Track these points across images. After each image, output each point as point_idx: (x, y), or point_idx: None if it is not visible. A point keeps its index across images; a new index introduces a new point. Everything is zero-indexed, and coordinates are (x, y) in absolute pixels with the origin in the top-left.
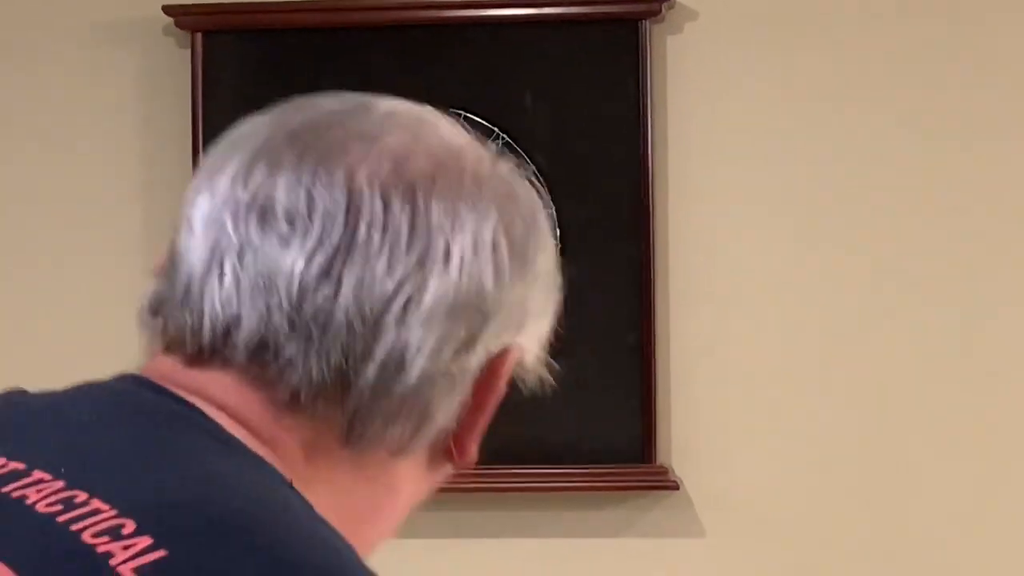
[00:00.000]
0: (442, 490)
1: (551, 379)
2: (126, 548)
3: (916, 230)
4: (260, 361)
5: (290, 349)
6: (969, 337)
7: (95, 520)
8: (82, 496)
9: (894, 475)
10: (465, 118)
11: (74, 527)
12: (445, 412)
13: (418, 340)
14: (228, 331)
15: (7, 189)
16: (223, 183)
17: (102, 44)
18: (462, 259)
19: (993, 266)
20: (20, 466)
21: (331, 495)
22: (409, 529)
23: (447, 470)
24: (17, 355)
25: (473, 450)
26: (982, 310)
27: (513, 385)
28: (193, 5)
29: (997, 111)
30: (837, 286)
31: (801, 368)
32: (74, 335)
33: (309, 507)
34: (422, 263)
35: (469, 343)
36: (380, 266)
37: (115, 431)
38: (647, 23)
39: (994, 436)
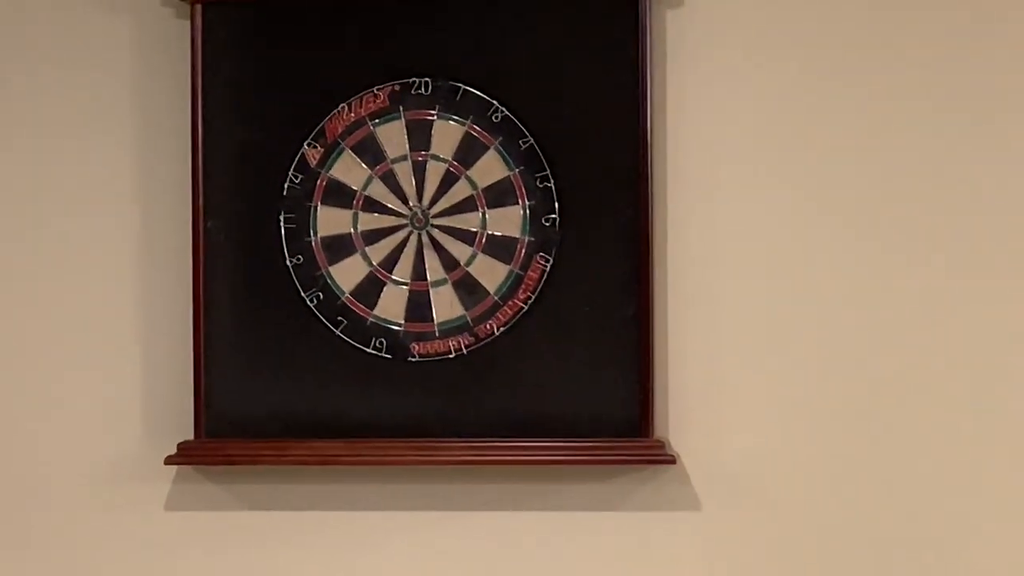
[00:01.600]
0: (437, 462)
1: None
2: None
3: (927, 205)
4: None
5: None
6: (971, 311)
7: None
8: None
9: (892, 449)
10: (465, 91)
11: None
12: None
13: None
14: None
15: (31, 171)
16: None
17: (99, 14)
18: None
19: (999, 256)
20: None
21: None
22: (404, 502)
23: None
24: None
25: None
26: (983, 294)
27: (510, 356)
28: None
29: (1007, 102)
30: (838, 256)
31: (800, 342)
32: (68, 304)
33: None
34: None
35: None
36: None
37: None
38: None
39: (993, 409)
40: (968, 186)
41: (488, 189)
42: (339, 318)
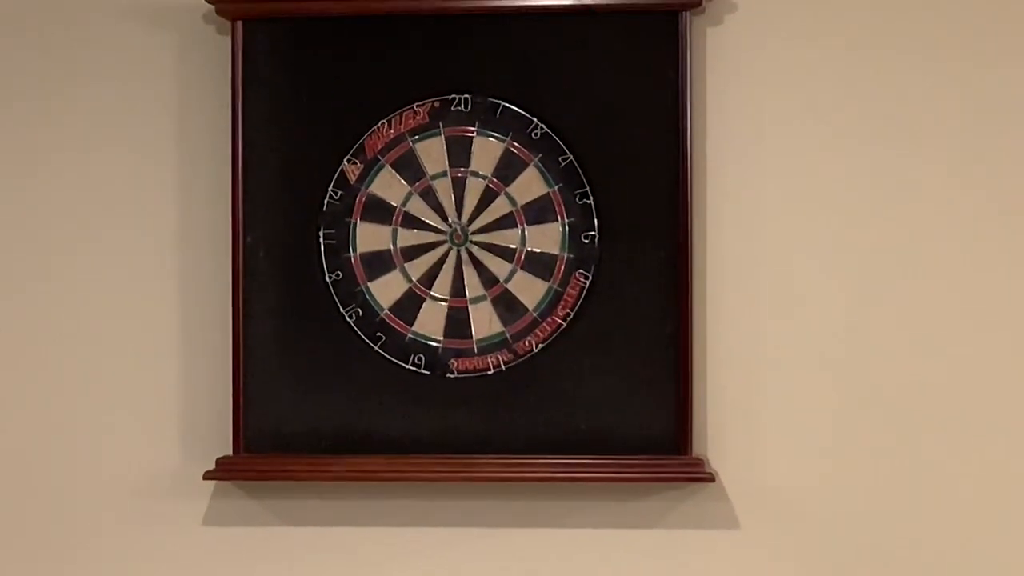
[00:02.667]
0: (475, 479)
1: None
2: None
3: (960, 221)
4: None
5: None
6: (1012, 332)
7: None
8: None
9: (933, 470)
10: (504, 108)
11: None
12: None
13: None
14: None
15: (43, 174)
16: None
17: (142, 30)
18: None
19: None
20: None
21: None
22: (443, 518)
23: None
24: (40, 340)
25: None
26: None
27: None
28: None
29: None
30: (876, 278)
31: (840, 361)
32: (108, 317)
33: None
34: None
35: None
36: None
37: None
38: (687, 14)
39: None
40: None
41: (527, 206)
42: (378, 334)
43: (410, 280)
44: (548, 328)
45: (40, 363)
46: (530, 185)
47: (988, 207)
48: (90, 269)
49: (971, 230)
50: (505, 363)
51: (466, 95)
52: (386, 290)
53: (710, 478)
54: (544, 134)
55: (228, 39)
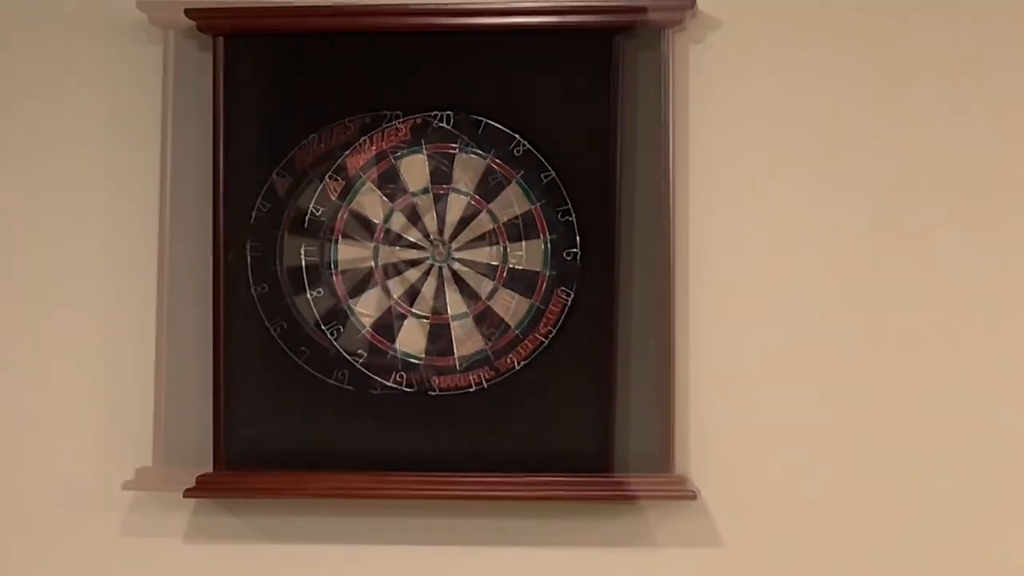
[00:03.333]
0: (458, 497)
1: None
2: None
3: (942, 235)
4: None
5: None
6: (998, 345)
7: None
8: None
9: (915, 485)
10: (487, 125)
11: None
12: None
13: None
14: None
15: (18, 186)
16: None
17: (124, 44)
18: None
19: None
20: None
21: None
22: (426, 536)
23: None
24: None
25: None
26: (1014, 317)
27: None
28: (216, 8)
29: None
30: (860, 295)
31: (822, 379)
32: (85, 331)
33: None
34: None
35: None
36: None
37: None
38: (670, 31)
39: (1020, 440)
40: (1000, 200)
41: (510, 223)
42: (360, 352)
43: (392, 297)
44: (530, 345)
45: (10, 372)
46: (512, 202)
47: (970, 226)
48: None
49: (953, 248)
50: (487, 380)
51: (448, 112)
52: (368, 307)
53: (692, 496)
54: (526, 151)
55: (210, 55)
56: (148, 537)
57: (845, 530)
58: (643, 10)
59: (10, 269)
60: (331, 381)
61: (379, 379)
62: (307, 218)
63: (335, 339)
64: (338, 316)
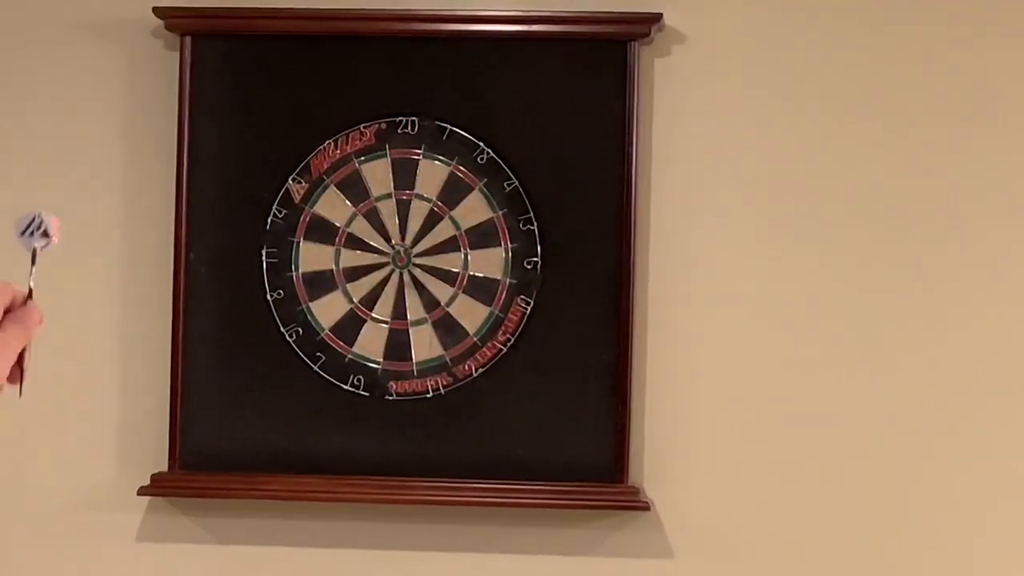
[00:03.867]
0: (410, 501)
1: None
2: None
3: (901, 250)
4: None
5: None
6: (960, 349)
7: None
8: None
9: (868, 500)
10: (451, 132)
11: None
12: None
13: None
14: None
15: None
16: None
17: (89, 43)
18: None
19: (983, 274)
20: None
21: None
22: (378, 540)
23: None
24: None
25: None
26: (975, 324)
27: (487, 397)
28: (183, 8)
29: (992, 131)
30: (814, 309)
31: (775, 392)
32: (45, 330)
33: None
34: None
35: None
36: None
37: None
38: (636, 44)
39: (988, 450)
40: (956, 213)
41: (471, 230)
42: (317, 354)
43: (352, 301)
44: (488, 353)
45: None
46: (475, 209)
47: (941, 241)
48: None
49: (917, 263)
50: (444, 387)
51: (413, 117)
52: (327, 310)
53: (645, 507)
54: (490, 159)
55: (176, 55)
56: (163, 543)
57: (795, 544)
58: (611, 22)
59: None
60: (346, 387)
61: (336, 382)
62: (270, 220)
63: (294, 341)
64: (297, 318)
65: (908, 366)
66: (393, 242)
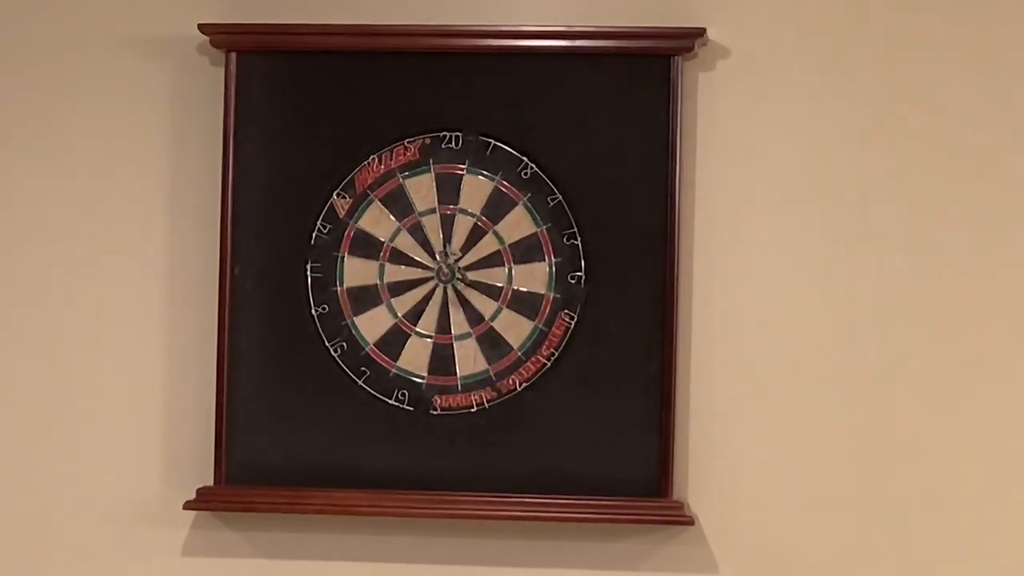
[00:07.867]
0: (455, 516)
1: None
2: None
3: (948, 265)
4: None
5: None
6: (998, 355)
7: None
8: None
9: (912, 515)
10: (495, 147)
11: None
12: None
13: None
14: None
15: (36, 204)
16: None
17: (135, 59)
18: None
19: (1017, 270)
20: None
21: None
22: (422, 554)
23: None
24: (25, 365)
25: None
26: (1009, 321)
27: (531, 412)
28: (228, 25)
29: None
30: (862, 325)
31: (823, 405)
32: (93, 345)
33: None
34: None
35: None
36: None
37: None
38: (679, 59)
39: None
40: (992, 214)
41: (515, 245)
42: (362, 368)
43: (396, 315)
44: (532, 367)
45: (24, 388)
46: (518, 224)
47: (974, 247)
48: (78, 295)
49: (958, 272)
50: (488, 401)
51: (457, 133)
52: (372, 325)
53: (690, 521)
54: (534, 174)
55: (221, 70)
56: (209, 557)
57: (840, 559)
58: (654, 37)
59: (74, 290)
60: (390, 402)
61: (381, 397)
62: (314, 235)
63: (339, 356)
64: (341, 333)
65: (964, 389)
66: (437, 257)
